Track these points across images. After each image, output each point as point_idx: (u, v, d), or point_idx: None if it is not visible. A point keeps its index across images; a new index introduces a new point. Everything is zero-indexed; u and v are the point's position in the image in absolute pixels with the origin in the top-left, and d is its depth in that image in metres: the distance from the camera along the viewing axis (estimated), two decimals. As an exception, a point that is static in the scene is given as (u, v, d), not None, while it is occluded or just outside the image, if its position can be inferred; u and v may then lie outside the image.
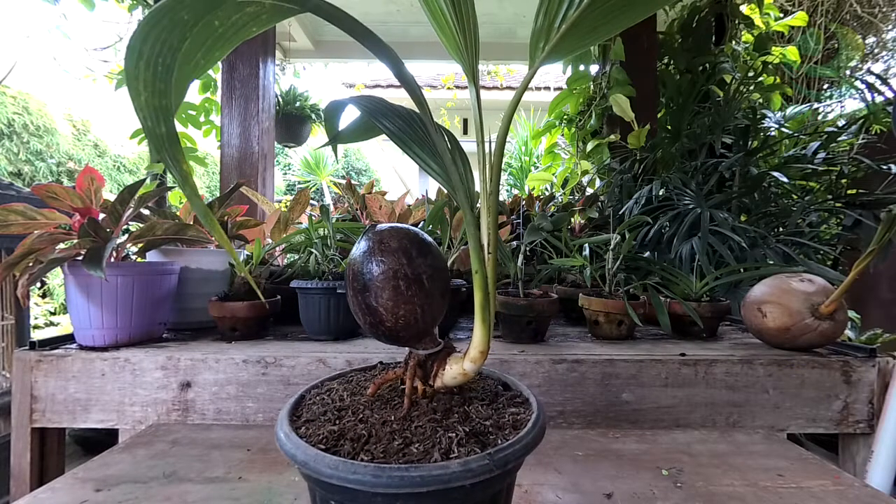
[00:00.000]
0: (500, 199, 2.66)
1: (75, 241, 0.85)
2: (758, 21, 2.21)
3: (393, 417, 0.41)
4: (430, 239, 0.45)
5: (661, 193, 1.55)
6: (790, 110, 1.87)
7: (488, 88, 6.26)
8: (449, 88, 5.37)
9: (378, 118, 0.43)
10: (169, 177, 2.37)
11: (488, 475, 0.32)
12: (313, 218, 1.10)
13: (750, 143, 1.65)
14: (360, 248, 0.43)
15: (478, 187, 0.47)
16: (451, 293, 0.99)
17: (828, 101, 2.98)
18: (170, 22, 0.20)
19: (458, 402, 0.43)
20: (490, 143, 0.44)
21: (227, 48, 0.26)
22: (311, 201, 2.37)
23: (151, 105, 0.20)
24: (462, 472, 0.32)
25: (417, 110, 0.42)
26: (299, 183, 6.57)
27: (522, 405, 0.43)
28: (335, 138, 0.52)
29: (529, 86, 0.42)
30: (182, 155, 0.21)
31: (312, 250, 1.08)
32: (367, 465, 0.33)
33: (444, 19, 0.41)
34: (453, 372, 0.43)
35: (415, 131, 0.45)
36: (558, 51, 0.42)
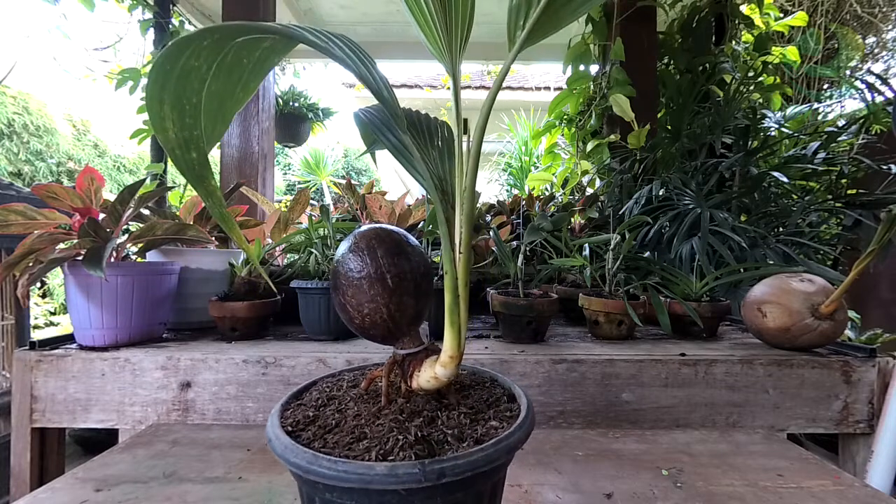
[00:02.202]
0: (501, 199, 2.65)
1: (75, 241, 0.85)
2: (758, 21, 2.21)
3: (366, 412, 0.41)
4: (407, 240, 0.45)
5: (661, 193, 1.55)
6: (790, 110, 1.87)
7: (488, 88, 6.26)
8: (448, 88, 5.35)
9: (380, 132, 0.44)
10: (170, 177, 2.37)
11: (416, 485, 0.31)
12: (313, 218, 1.10)
13: (750, 143, 1.65)
14: (338, 249, 0.45)
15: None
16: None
17: (828, 101, 2.98)
18: (181, 71, 0.23)
19: (434, 406, 0.42)
20: (468, 141, 0.43)
21: (259, 79, 0.29)
22: (311, 201, 2.37)
23: (182, 138, 0.23)
24: (385, 476, 0.31)
25: (419, 110, 0.42)
26: (299, 183, 6.57)
27: (509, 420, 0.41)
28: (373, 144, 0.53)
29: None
30: (210, 173, 0.23)
31: (312, 250, 1.08)
32: (307, 451, 0.34)
33: (423, 17, 0.40)
34: (426, 375, 0.42)
35: (416, 136, 0.45)
36: (542, 27, 0.38)
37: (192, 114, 0.23)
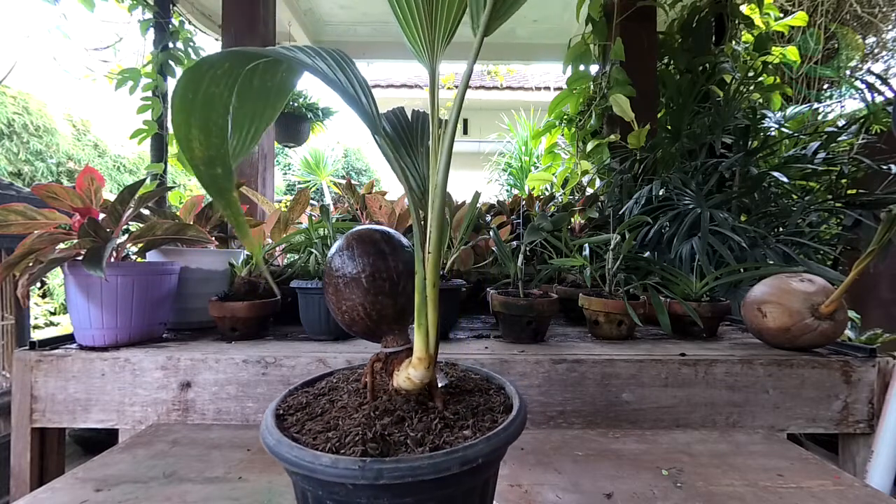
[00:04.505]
0: (501, 199, 2.65)
1: (75, 241, 0.85)
2: (758, 21, 2.21)
3: (351, 405, 0.43)
4: (388, 240, 0.46)
5: (661, 193, 1.55)
6: (790, 110, 1.87)
7: (488, 88, 6.27)
8: (449, 88, 5.37)
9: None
10: (169, 177, 2.37)
11: (354, 481, 0.32)
12: (313, 218, 1.10)
13: (750, 143, 1.65)
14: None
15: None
16: (450, 293, 0.99)
17: (828, 101, 2.98)
18: (204, 97, 0.25)
19: (411, 406, 0.42)
20: (442, 139, 0.42)
21: (284, 98, 0.33)
22: (311, 201, 2.37)
23: (207, 155, 0.25)
24: (327, 467, 0.32)
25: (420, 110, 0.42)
26: (299, 183, 6.57)
27: (487, 431, 0.39)
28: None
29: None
30: (232, 186, 0.26)
31: (312, 250, 1.08)
32: (277, 433, 0.37)
33: (403, 12, 0.40)
34: (403, 375, 0.42)
35: (406, 136, 0.48)
36: (503, 4, 0.37)
37: (218, 134, 0.25)
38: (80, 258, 0.79)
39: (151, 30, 2.27)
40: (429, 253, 0.41)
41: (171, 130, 2.26)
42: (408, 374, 0.42)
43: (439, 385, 0.46)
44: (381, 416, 0.40)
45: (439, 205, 0.41)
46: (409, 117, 0.52)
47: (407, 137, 0.49)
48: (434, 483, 0.33)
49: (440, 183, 0.40)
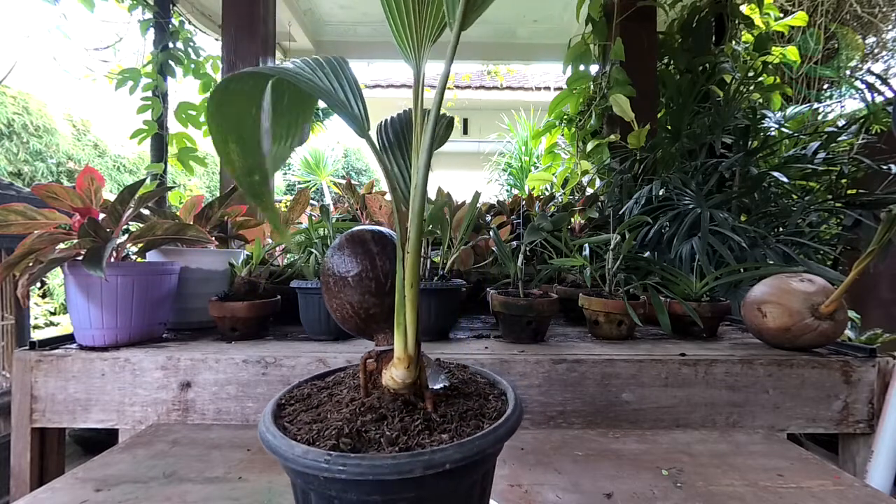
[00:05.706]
0: (501, 199, 2.66)
1: (75, 241, 0.85)
2: (758, 21, 2.21)
3: (345, 400, 0.43)
4: (377, 240, 0.47)
5: (661, 193, 1.55)
6: (790, 110, 1.87)
7: (488, 88, 6.27)
8: (449, 88, 5.37)
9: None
10: (169, 177, 2.37)
11: (320, 473, 0.33)
12: (313, 218, 1.10)
13: (750, 143, 1.65)
14: None
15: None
16: (450, 293, 0.99)
17: (828, 101, 2.98)
18: (236, 115, 0.28)
19: (397, 406, 0.41)
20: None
21: (314, 105, 0.35)
22: (311, 201, 2.37)
23: (245, 165, 0.27)
24: (299, 457, 0.34)
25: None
26: (299, 183, 6.57)
27: (463, 437, 0.38)
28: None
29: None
30: (268, 191, 0.28)
31: (312, 250, 1.08)
32: (269, 421, 0.39)
33: (396, 15, 0.40)
34: (388, 374, 0.43)
35: (402, 138, 0.50)
36: None
37: (253, 145, 0.28)
38: (80, 258, 0.79)
39: (151, 30, 2.27)
40: (407, 253, 0.41)
41: (170, 130, 2.27)
42: (391, 374, 0.42)
43: (438, 386, 0.45)
44: (365, 413, 0.40)
45: (419, 205, 0.40)
46: (410, 119, 0.52)
47: (404, 139, 0.50)
48: (399, 484, 0.34)
49: (420, 182, 0.40)
